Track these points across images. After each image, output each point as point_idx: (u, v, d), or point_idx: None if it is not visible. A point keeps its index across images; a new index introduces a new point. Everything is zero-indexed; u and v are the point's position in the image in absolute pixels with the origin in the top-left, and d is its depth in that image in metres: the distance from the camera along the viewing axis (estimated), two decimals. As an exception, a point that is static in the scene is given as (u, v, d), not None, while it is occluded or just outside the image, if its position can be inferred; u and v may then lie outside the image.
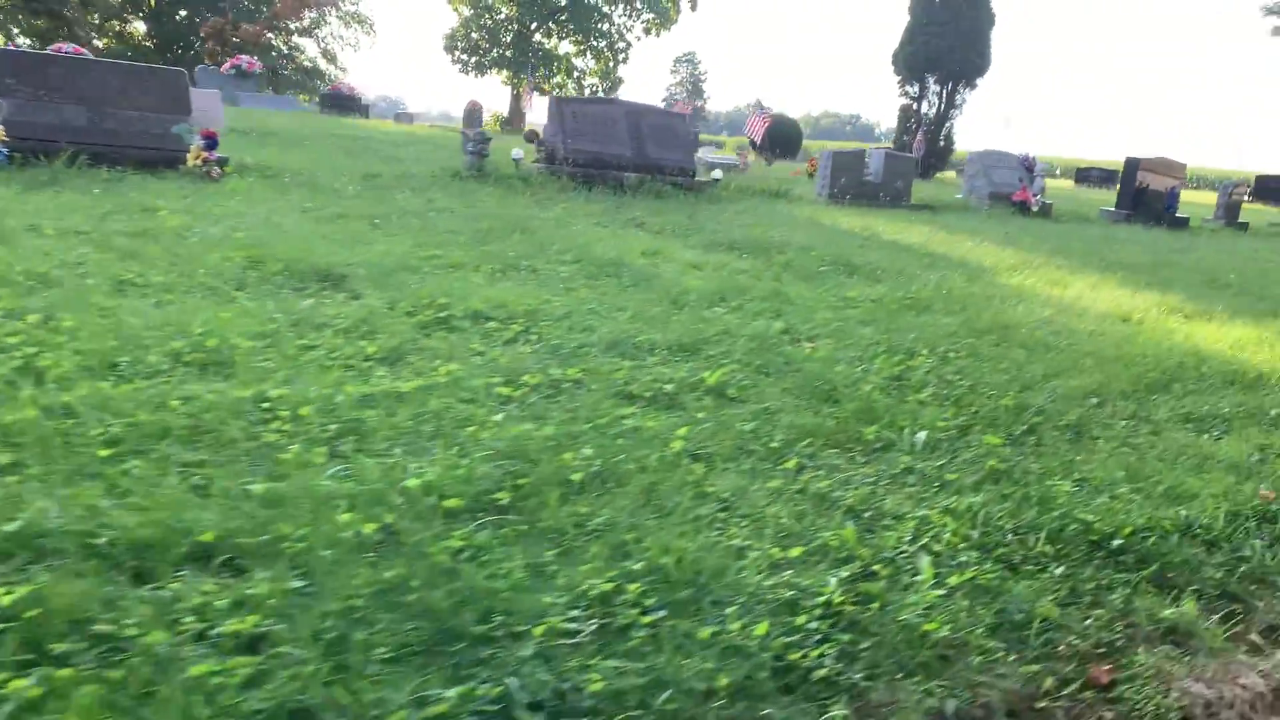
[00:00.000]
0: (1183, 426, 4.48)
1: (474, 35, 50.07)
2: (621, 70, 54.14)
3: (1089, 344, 5.75)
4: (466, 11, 50.48)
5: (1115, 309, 7.00)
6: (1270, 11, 26.64)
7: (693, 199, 10.73)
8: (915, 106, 23.64)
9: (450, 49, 50.49)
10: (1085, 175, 38.81)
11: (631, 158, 10.85)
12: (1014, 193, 14.10)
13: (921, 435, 3.73)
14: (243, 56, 27.97)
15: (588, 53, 53.22)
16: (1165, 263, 10.26)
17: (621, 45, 53.44)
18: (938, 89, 23.54)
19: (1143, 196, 16.29)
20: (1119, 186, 16.49)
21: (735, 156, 17.22)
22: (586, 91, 53.73)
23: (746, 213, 10.24)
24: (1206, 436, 4.38)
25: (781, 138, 32.73)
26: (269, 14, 40.52)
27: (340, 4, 54.12)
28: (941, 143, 24.13)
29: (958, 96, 23.67)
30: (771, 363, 4.52)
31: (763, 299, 5.98)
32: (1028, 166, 14.81)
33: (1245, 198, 33.59)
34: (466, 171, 9.86)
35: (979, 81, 23.83)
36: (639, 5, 51.31)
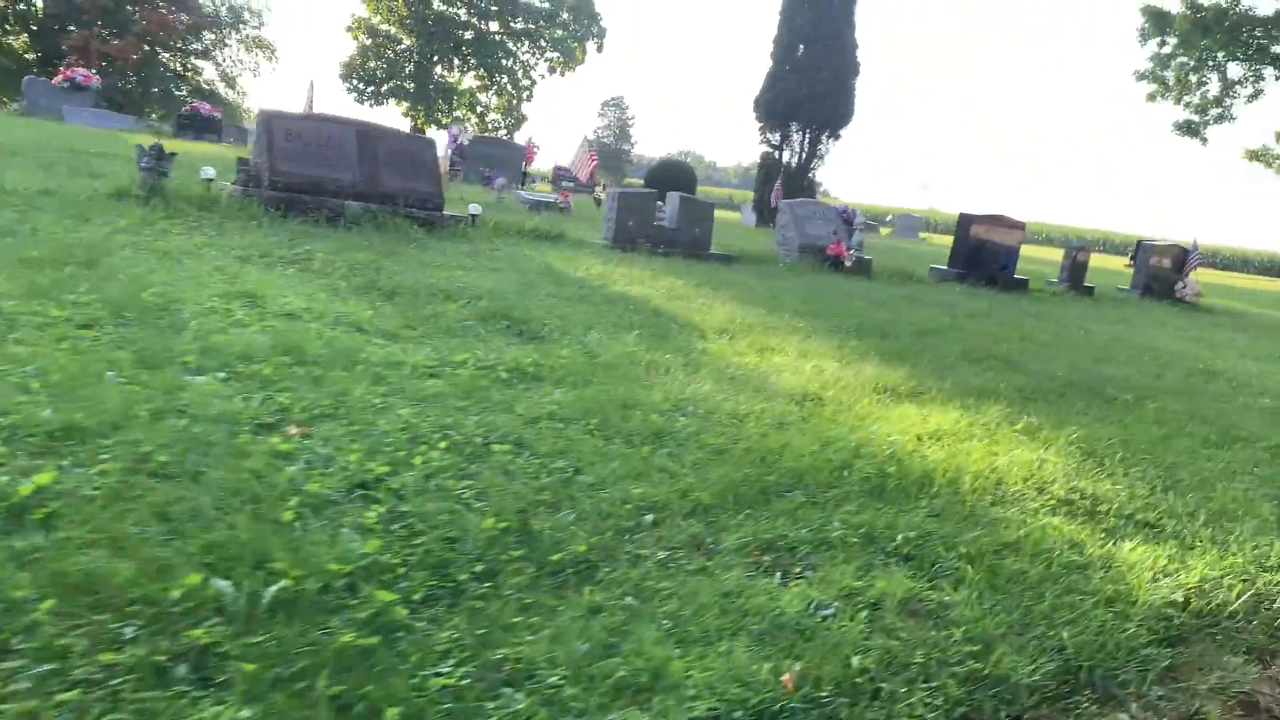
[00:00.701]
0: (748, 560, 3.26)
1: (371, 65, 48.71)
2: (526, 108, 53.24)
3: (727, 432, 4.53)
4: (366, 40, 49.19)
5: (807, 385, 5.78)
6: (1141, 77, 26.56)
7: (423, 235, 9.42)
8: (776, 155, 22.79)
9: (346, 77, 49.06)
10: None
11: (359, 185, 9.49)
12: (828, 246, 13.07)
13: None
14: (78, 70, 26.15)
15: (492, 89, 52.22)
16: (944, 329, 9.18)
17: (526, 83, 52.56)
18: (800, 137, 22.75)
19: (978, 255, 15.45)
20: (953, 244, 15.64)
21: (556, 195, 16.02)
22: (489, 129, 52.67)
23: (475, 255, 8.95)
24: (773, 579, 3.17)
25: (671, 181, 31.80)
26: (137, 31, 38.64)
27: (236, 27, 52.51)
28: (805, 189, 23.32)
29: (820, 146, 22.92)
30: (177, 465, 3.18)
31: (313, 362, 4.63)
32: (846, 219, 13.84)
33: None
34: (139, 190, 8.42)
35: (843, 131, 23.14)
36: (543, 44, 50.55)
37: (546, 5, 49.74)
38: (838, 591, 3.18)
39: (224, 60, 54.32)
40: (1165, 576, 3.76)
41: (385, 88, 49.33)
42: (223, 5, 52.58)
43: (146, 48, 46.32)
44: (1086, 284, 17.39)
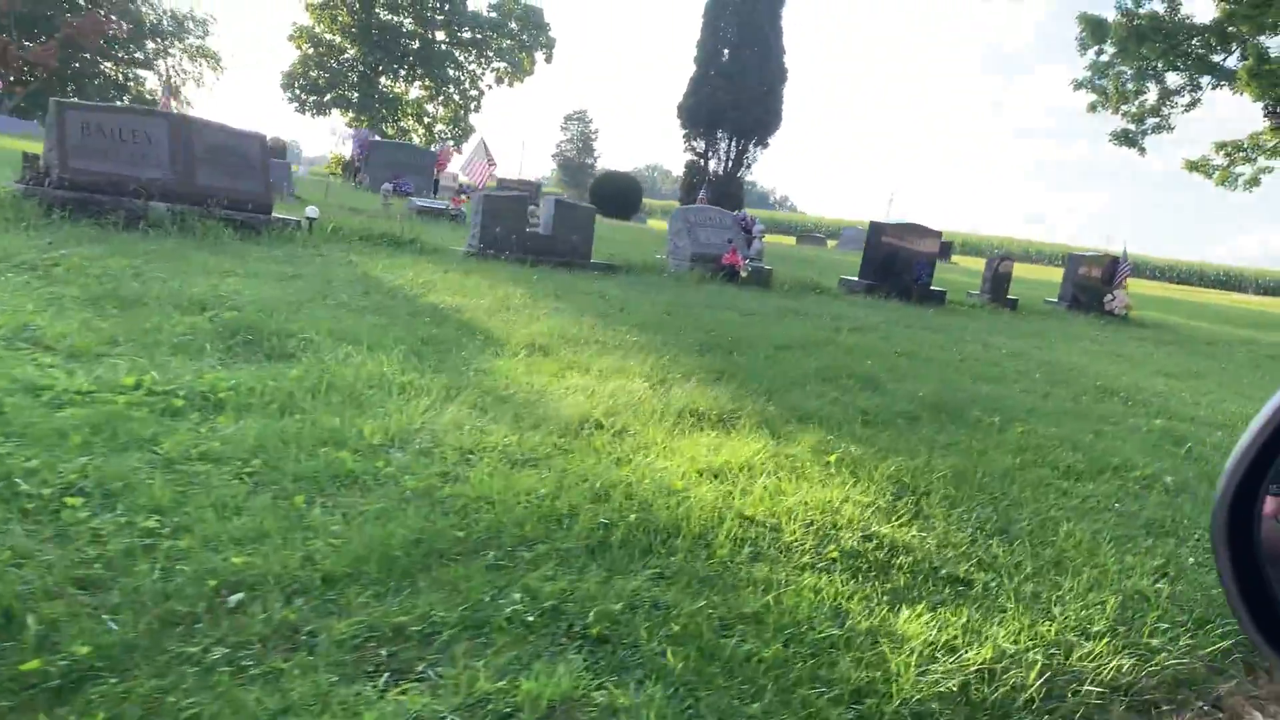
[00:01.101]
0: (354, 657, 2.50)
1: (313, 74, 47.61)
2: (474, 119, 52.33)
3: (440, 475, 3.74)
4: (309, 49, 48.10)
5: (592, 411, 4.88)
6: (1079, 86, 26.05)
7: (237, 240, 8.45)
8: (701, 162, 22.00)
9: (287, 86, 47.91)
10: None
11: (169, 184, 8.51)
12: (723, 255, 12.21)
13: None
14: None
15: (439, 99, 51.27)
16: (811, 344, 8.30)
17: (474, 94, 51.66)
18: (726, 144, 21.97)
19: (890, 265, 14.66)
20: (863, 254, 14.85)
21: (448, 201, 15.06)
22: (437, 139, 51.71)
23: (284, 261, 7.95)
24: (375, 683, 2.43)
25: (615, 195, 30.90)
26: (61, 36, 37.36)
27: (179, 36, 51.25)
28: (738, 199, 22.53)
29: (748, 154, 22.15)
30: None
31: None
32: (745, 226, 13.01)
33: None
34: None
35: (771, 139, 22.40)
36: (490, 54, 49.69)
37: (494, 15, 48.91)
38: (463, 699, 2.30)
39: (167, 70, 53.05)
40: (948, 655, 2.90)
41: (328, 97, 48.24)
42: (165, 14, 51.29)
43: (80, 54, 45.02)
44: (1010, 296, 16.66)
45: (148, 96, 49.90)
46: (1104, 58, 25.56)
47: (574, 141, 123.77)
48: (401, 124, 50.56)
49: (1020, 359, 10.17)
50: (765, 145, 22.40)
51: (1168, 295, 35.32)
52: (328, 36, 48.84)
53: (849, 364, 7.57)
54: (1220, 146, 26.16)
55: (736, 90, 20.97)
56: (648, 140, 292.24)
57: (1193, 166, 26.49)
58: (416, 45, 49.82)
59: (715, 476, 4.13)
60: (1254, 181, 25.89)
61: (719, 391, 5.75)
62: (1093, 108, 26.24)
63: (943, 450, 5.25)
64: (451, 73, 50.90)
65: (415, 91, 51.67)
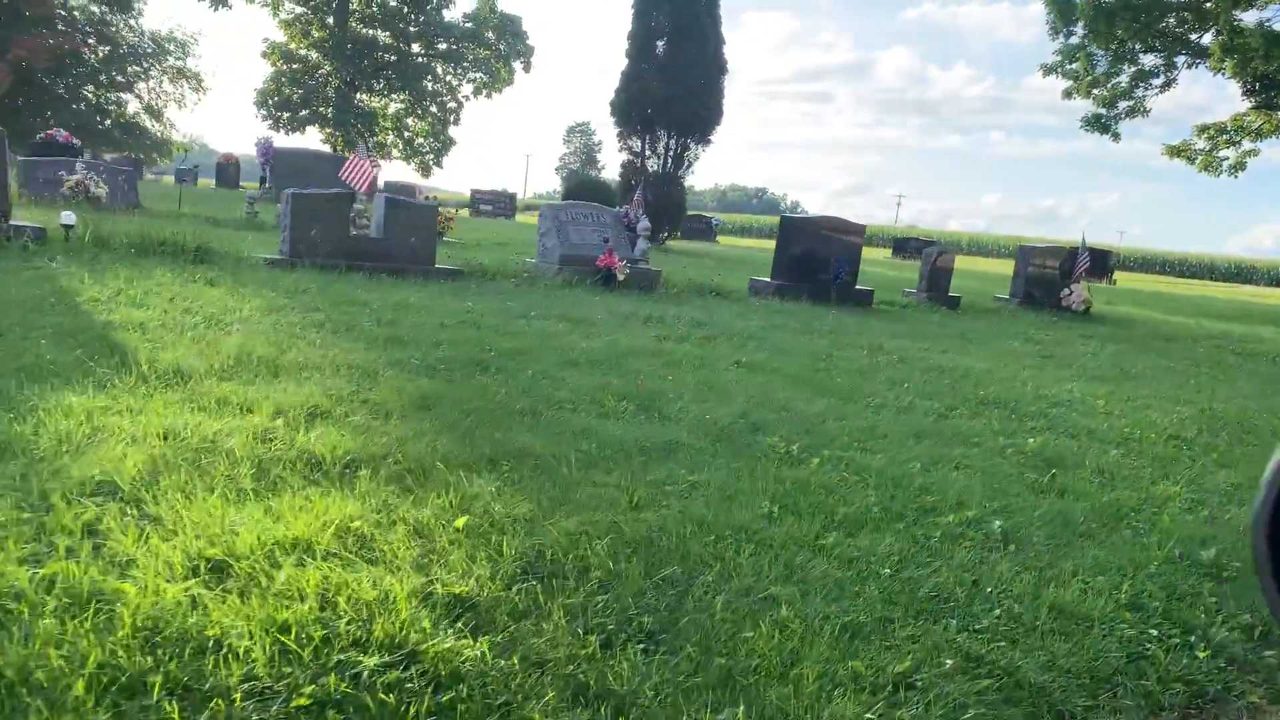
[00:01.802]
0: None
1: (286, 91, 46.79)
2: (454, 131, 51.37)
3: None
4: (282, 66, 47.31)
5: (114, 468, 3.63)
6: (1049, 71, 24.69)
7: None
8: (638, 162, 20.72)
9: (262, 104, 47.10)
10: (902, 245, 36.73)
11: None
12: (599, 256, 10.95)
13: None
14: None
15: (418, 112, 50.35)
16: (617, 358, 7.03)
17: (452, 106, 50.70)
18: (664, 142, 20.69)
19: (806, 264, 13.34)
20: (775, 253, 13.50)
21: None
22: (418, 153, 50.84)
23: None
24: None
25: (589, 199, 29.58)
26: (10, 58, 36.66)
27: (159, 58, 50.63)
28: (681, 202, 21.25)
29: (688, 151, 20.86)
30: None
31: None
32: (628, 224, 11.75)
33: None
34: None
35: (713, 136, 21.10)
36: (466, 64, 48.72)
37: (469, 25, 47.92)
38: None
39: (148, 92, 52.47)
40: None
41: (303, 114, 47.40)
42: (144, 36, 50.72)
43: (40, 78, 44.42)
44: (952, 294, 15.27)
45: (127, 120, 49.28)
46: (1074, 39, 24.16)
47: (578, 154, 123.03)
48: (379, 139, 49.63)
49: (906, 365, 8.87)
50: (708, 143, 21.13)
51: (1161, 289, 33.68)
52: (301, 52, 48.05)
53: (652, 382, 6.30)
54: (1202, 130, 24.65)
55: (672, 85, 19.71)
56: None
57: (1174, 152, 25.01)
58: (393, 59, 48.93)
59: (219, 571, 2.86)
60: (1239, 165, 24.36)
61: (395, 426, 4.50)
62: (1068, 94, 24.79)
63: (669, 498, 4.00)
64: (430, 85, 49.98)
65: (394, 105, 50.78)
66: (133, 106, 51.77)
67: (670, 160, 20.76)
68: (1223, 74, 21.53)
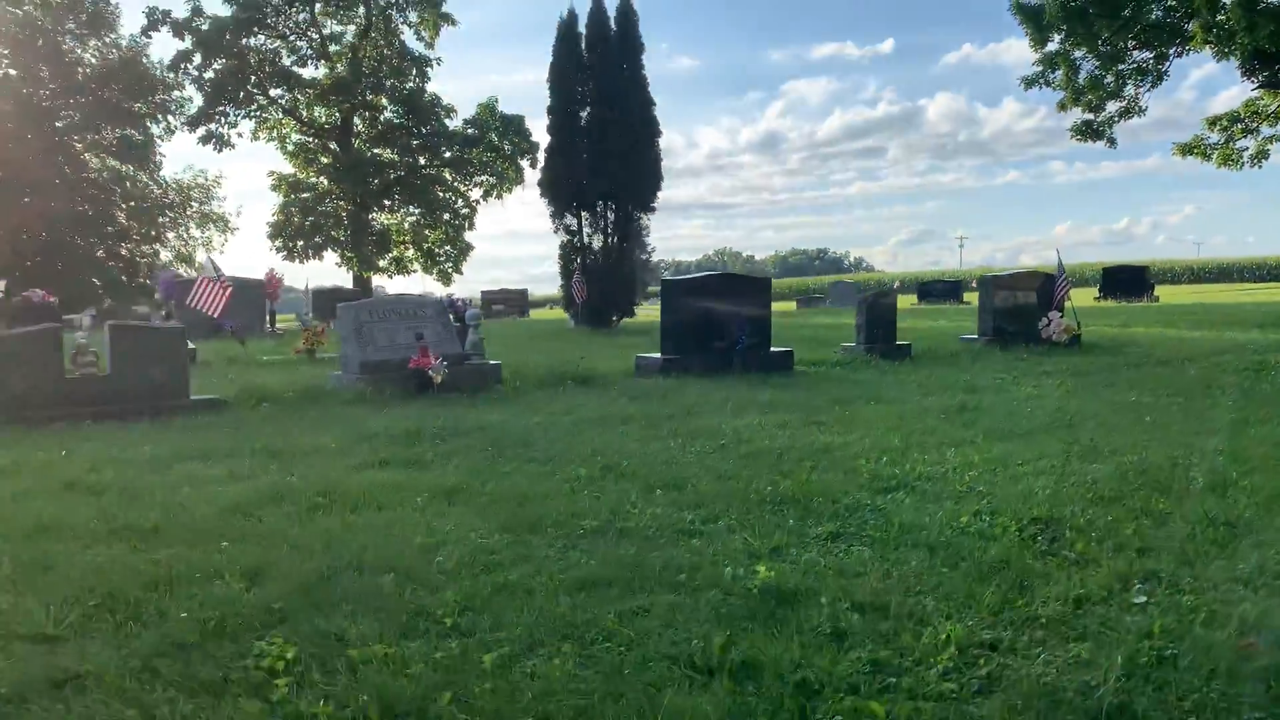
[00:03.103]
0: None
1: (297, 219, 47.00)
2: (470, 236, 50.96)
3: None
4: (291, 195, 47.69)
5: None
6: (1030, 83, 22.71)
7: None
8: (575, 240, 19.18)
9: (275, 235, 47.36)
10: (928, 291, 34.42)
11: None
12: (411, 359, 9.31)
13: None
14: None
15: (432, 222, 50.10)
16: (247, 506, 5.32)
17: (465, 211, 50.37)
18: (603, 216, 19.16)
19: (702, 333, 11.48)
20: (661, 322, 11.66)
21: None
22: (439, 262, 50.53)
23: None
24: None
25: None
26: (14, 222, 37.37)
27: (184, 207, 51.77)
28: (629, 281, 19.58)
29: (633, 223, 19.28)
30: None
31: None
32: (457, 313, 10.12)
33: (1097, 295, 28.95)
34: None
35: (655, 203, 19.51)
36: (473, 169, 48.42)
37: (472, 131, 47.62)
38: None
39: (177, 240, 53.59)
40: None
41: (317, 240, 47.47)
42: (171, 187, 51.93)
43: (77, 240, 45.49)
44: (903, 341, 13.18)
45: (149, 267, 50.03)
46: (1053, 45, 22.14)
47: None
48: (394, 255, 49.48)
49: (724, 451, 6.98)
50: (651, 210, 19.55)
51: (1206, 300, 30.68)
52: (310, 180, 48.43)
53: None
54: (1213, 122, 22.21)
55: (600, 155, 18.26)
56: (725, 224, 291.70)
57: (1185, 150, 22.60)
58: (401, 174, 48.98)
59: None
60: (1261, 155, 21.82)
61: None
62: (1062, 106, 22.66)
63: None
64: (441, 194, 49.79)
65: (408, 219, 50.68)
66: (165, 255, 52.94)
67: (615, 234, 19.17)
68: (1229, 58, 19.30)
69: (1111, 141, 21.32)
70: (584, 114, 18.76)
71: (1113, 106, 21.20)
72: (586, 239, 19.26)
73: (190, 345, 12.63)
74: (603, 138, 18.22)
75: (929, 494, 5.82)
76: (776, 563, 4.42)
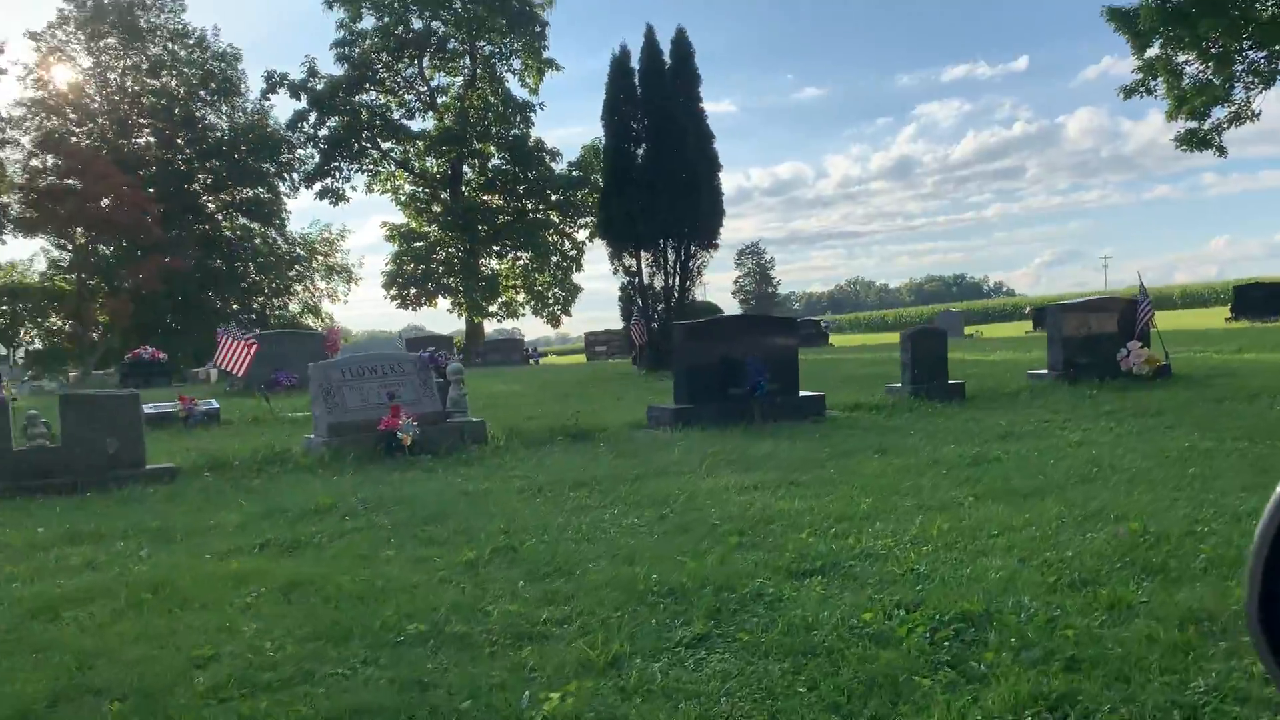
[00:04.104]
0: None
1: (410, 267, 48.20)
2: (578, 277, 51.20)
3: None
4: (403, 245, 49.01)
5: None
6: (1129, 93, 21.08)
7: None
8: (634, 283, 18.60)
9: (389, 285, 48.70)
10: (1043, 316, 32.25)
11: None
12: (382, 419, 8.86)
13: None
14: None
15: (540, 266, 50.59)
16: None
17: (573, 252, 50.69)
18: (662, 256, 18.54)
19: (714, 379, 10.65)
20: (674, 371, 10.88)
21: (176, 402, 12.28)
22: (547, 309, 50.89)
23: None
24: None
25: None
26: (129, 287, 39.48)
27: (310, 261, 53.99)
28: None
29: (693, 262, 18.57)
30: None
31: None
32: (437, 366, 9.62)
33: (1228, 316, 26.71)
34: None
35: (718, 240, 18.77)
36: (577, 210, 48.64)
37: (578, 173, 47.81)
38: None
39: (304, 291, 55.83)
40: None
41: (429, 287, 48.54)
42: (296, 242, 54.19)
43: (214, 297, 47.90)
44: (954, 380, 11.99)
45: (285, 318, 52.19)
46: (1153, 51, 20.43)
47: (751, 275, 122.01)
48: (504, 299, 50.10)
49: (647, 529, 6.24)
50: (714, 247, 18.83)
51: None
52: (422, 229, 49.67)
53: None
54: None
55: (657, 192, 17.70)
56: (856, 252, 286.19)
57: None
58: (509, 219, 49.70)
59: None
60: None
61: None
62: (1170, 115, 20.86)
63: None
64: (549, 237, 50.25)
65: (518, 263, 51.30)
66: (293, 307, 55.25)
67: (674, 276, 18.52)
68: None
69: (1221, 150, 19.39)
70: (639, 151, 18.19)
71: (1221, 113, 19.28)
72: (647, 279, 18.61)
73: (214, 405, 12.63)
74: (658, 175, 17.63)
75: (852, 579, 4.93)
76: (601, 680, 3.68)
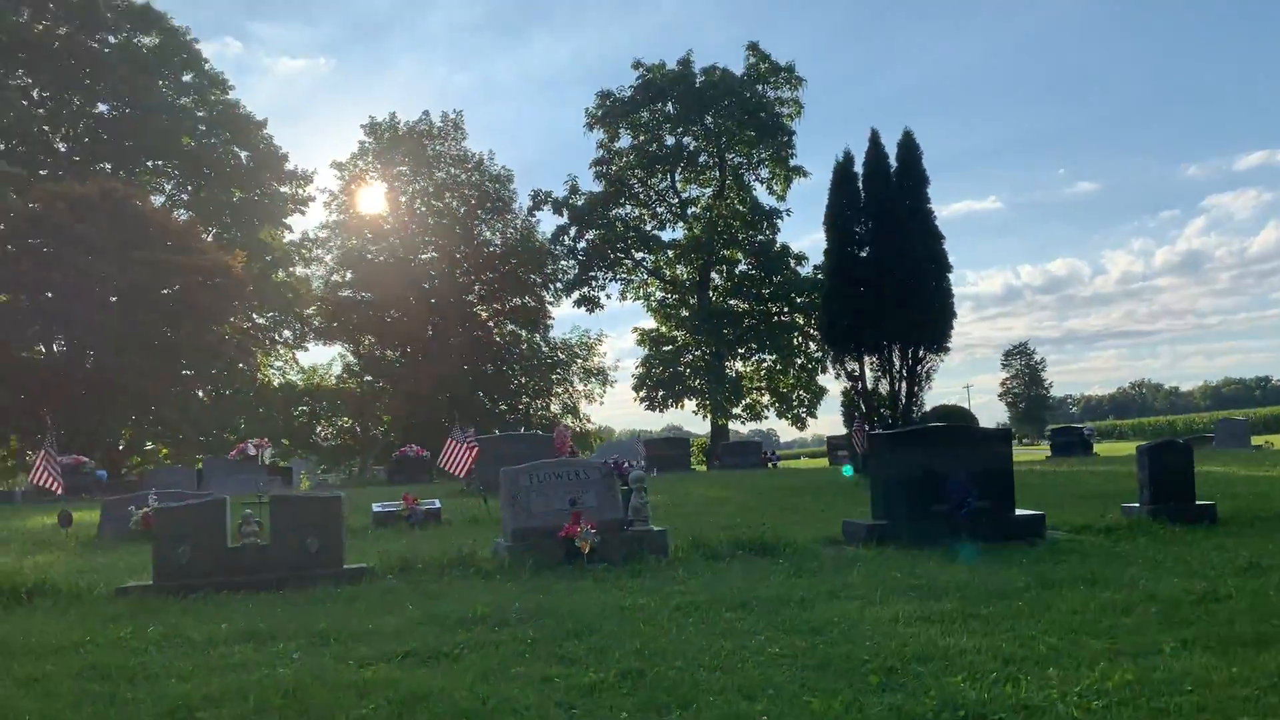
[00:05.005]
0: None
1: (657, 370, 49.47)
2: (823, 379, 50.41)
3: None
4: (652, 349, 50.48)
5: None
6: None
7: None
8: (858, 385, 17.98)
9: (638, 387, 50.13)
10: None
11: None
12: (564, 526, 8.97)
13: None
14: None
15: (787, 369, 50.41)
16: None
17: (818, 355, 50.10)
18: (887, 360, 17.90)
19: (922, 492, 9.95)
20: (871, 483, 10.23)
21: (401, 502, 12.77)
22: (794, 405, 50.43)
23: None
24: None
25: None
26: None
27: (570, 364, 56.77)
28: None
29: (920, 366, 17.76)
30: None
31: None
32: (620, 471, 9.62)
33: None
34: None
35: (948, 343, 17.88)
36: (815, 312, 48.17)
37: (821, 276, 47.61)
38: None
39: (564, 393, 58.55)
40: None
41: (677, 388, 49.52)
42: (556, 346, 57.13)
43: (483, 397, 51.19)
44: (1202, 502, 10.57)
45: (546, 419, 54.79)
46: None
47: (1019, 376, 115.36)
48: (748, 401, 50.19)
49: (790, 661, 5.90)
50: (945, 350, 17.98)
51: None
52: (671, 333, 50.98)
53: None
54: None
55: (880, 296, 17.29)
56: (1140, 353, 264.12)
57: None
58: (754, 322, 50.11)
59: None
60: None
61: None
62: None
63: None
64: (794, 341, 50.10)
65: (764, 365, 51.39)
66: (554, 406, 57.95)
67: (900, 380, 17.82)
68: None
69: None
70: (862, 254, 17.85)
71: None
72: (871, 383, 18.00)
73: (436, 504, 13.32)
74: (881, 277, 17.18)
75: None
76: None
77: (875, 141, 18.23)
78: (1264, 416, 67.84)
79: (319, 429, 51.55)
